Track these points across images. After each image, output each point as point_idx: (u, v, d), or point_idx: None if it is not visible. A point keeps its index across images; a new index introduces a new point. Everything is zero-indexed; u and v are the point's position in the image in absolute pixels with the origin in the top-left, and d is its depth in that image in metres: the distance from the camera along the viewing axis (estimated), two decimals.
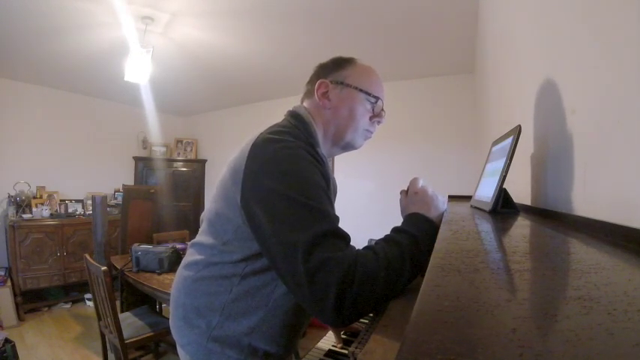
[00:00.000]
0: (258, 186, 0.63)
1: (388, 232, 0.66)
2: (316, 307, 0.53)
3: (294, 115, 0.78)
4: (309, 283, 0.52)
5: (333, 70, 0.81)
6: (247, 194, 0.64)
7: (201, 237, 0.76)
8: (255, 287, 0.69)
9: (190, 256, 0.77)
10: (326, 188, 0.64)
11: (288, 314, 0.71)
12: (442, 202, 0.71)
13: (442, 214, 0.69)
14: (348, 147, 0.84)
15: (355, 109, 0.79)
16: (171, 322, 0.78)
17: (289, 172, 0.62)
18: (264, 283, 0.69)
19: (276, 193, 0.60)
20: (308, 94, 0.84)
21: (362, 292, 0.51)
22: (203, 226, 0.77)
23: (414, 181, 0.75)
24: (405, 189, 0.77)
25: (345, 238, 0.58)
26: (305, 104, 0.84)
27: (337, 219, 0.62)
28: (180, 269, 0.79)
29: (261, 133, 0.69)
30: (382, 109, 0.82)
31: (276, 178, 0.61)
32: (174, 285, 0.79)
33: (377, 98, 0.80)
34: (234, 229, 0.68)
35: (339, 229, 0.59)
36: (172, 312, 0.77)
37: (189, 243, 0.81)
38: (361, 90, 0.78)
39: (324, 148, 0.80)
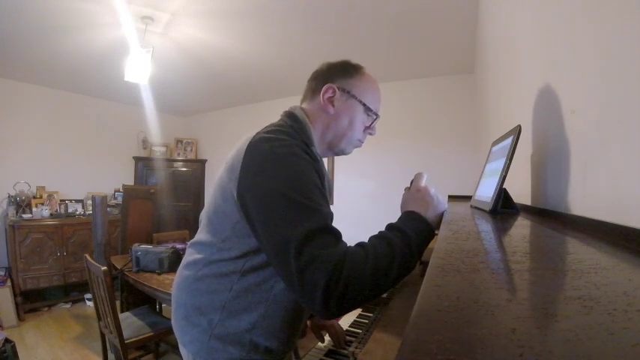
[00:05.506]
0: (254, 183, 0.64)
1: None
2: (306, 301, 0.56)
3: (290, 116, 0.79)
4: (300, 278, 0.55)
5: (341, 76, 0.82)
6: (244, 191, 0.65)
7: (201, 235, 0.77)
8: (254, 284, 0.70)
9: (190, 255, 0.78)
10: (320, 186, 0.66)
11: (288, 309, 0.72)
12: (442, 204, 0.71)
13: (441, 216, 0.69)
14: (339, 153, 0.87)
15: (355, 121, 0.81)
16: (173, 321, 0.79)
17: (284, 169, 0.63)
18: (263, 279, 0.70)
19: (271, 191, 0.61)
20: (310, 92, 0.84)
21: (348, 289, 0.54)
22: (202, 224, 0.78)
23: (418, 176, 0.76)
24: (409, 185, 0.77)
25: (335, 234, 0.60)
26: (304, 104, 0.84)
27: (331, 215, 0.63)
28: (180, 269, 0.80)
29: (258, 133, 0.71)
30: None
31: (272, 176, 0.63)
32: (174, 285, 0.80)
33: (377, 115, 0.83)
34: (232, 226, 0.69)
35: (331, 226, 0.61)
36: (174, 311, 0.78)
37: (188, 243, 0.82)
38: (364, 104, 0.81)
39: (318, 149, 0.81)
